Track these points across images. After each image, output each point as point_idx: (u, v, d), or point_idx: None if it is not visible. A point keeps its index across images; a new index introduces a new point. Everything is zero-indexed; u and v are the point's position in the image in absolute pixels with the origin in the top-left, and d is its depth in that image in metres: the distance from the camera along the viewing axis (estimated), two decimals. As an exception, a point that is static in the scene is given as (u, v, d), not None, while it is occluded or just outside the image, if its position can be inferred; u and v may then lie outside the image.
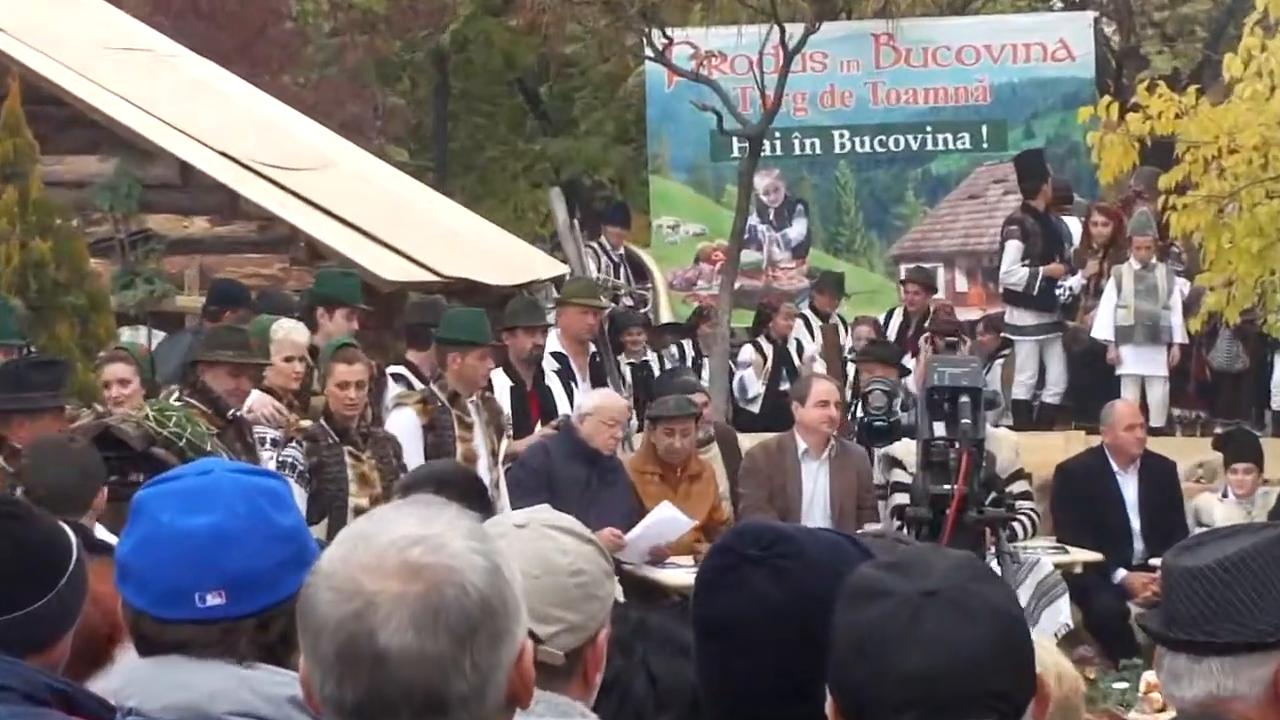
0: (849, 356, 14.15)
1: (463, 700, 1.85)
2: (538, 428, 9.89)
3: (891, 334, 14.49)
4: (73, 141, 12.45)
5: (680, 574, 8.85)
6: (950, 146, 17.18)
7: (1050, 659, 3.47)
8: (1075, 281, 14.39)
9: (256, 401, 8.51)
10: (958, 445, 6.66)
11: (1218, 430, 12.89)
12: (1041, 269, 14.48)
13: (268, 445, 8.47)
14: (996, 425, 10.63)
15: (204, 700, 2.47)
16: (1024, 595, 8.78)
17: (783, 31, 14.63)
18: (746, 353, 14.56)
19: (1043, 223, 14.79)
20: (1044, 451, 10.99)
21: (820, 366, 13.95)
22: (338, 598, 1.85)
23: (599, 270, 15.26)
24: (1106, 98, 10.77)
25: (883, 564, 2.25)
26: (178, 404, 7.74)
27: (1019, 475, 9.47)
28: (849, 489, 9.64)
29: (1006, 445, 9.43)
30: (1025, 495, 9.53)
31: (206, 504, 2.52)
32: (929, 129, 17.16)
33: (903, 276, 15.92)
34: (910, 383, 11.55)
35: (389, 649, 1.83)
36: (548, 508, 2.85)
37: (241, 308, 10.48)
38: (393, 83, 25.66)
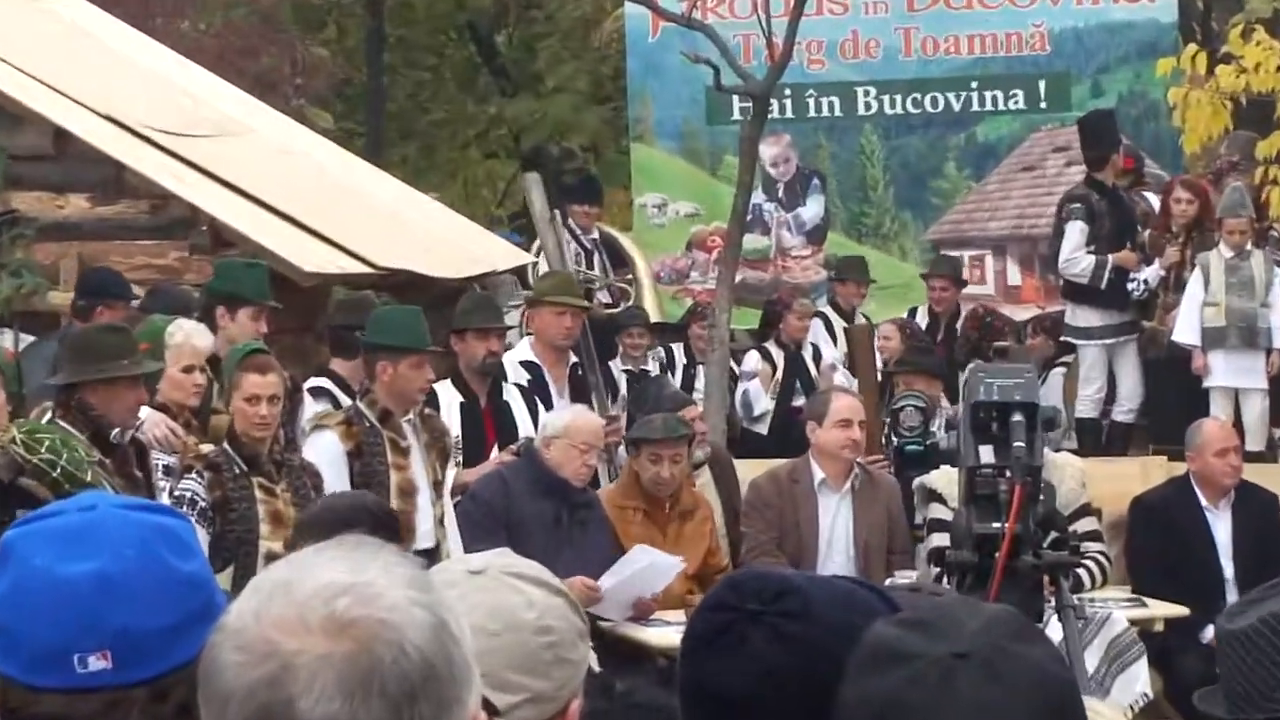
0: (888, 369, 14.14)
1: (400, 784, 1.85)
2: (494, 453, 9.90)
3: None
4: (-82, 103, 12.49)
5: (668, 633, 8.83)
6: (1000, 107, 17.21)
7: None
8: (1152, 273, 14.39)
9: (147, 421, 8.49)
10: (1009, 474, 6.67)
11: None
12: (1111, 257, 14.48)
13: (159, 474, 8.47)
14: (1057, 449, 10.66)
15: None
16: (1092, 659, 8.81)
17: (794, -34, 14.68)
18: (751, 360, 14.56)
19: (1112, 200, 14.80)
20: (1116, 482, 11.03)
21: (843, 378, 13.95)
22: (248, 660, 1.86)
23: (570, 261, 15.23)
24: (1192, 46, 10.88)
25: (903, 621, 2.27)
26: (51, 425, 7.74)
27: (1085, 511, 9.51)
28: (877, 528, 9.67)
29: (1070, 474, 9.47)
30: (1093, 535, 9.56)
31: (89, 546, 2.51)
32: (974, 85, 17.19)
33: (924, 270, 15.87)
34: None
35: (311, 721, 1.84)
36: (508, 551, 2.87)
37: (120, 302, 10.47)
38: (315, 29, 25.65)
